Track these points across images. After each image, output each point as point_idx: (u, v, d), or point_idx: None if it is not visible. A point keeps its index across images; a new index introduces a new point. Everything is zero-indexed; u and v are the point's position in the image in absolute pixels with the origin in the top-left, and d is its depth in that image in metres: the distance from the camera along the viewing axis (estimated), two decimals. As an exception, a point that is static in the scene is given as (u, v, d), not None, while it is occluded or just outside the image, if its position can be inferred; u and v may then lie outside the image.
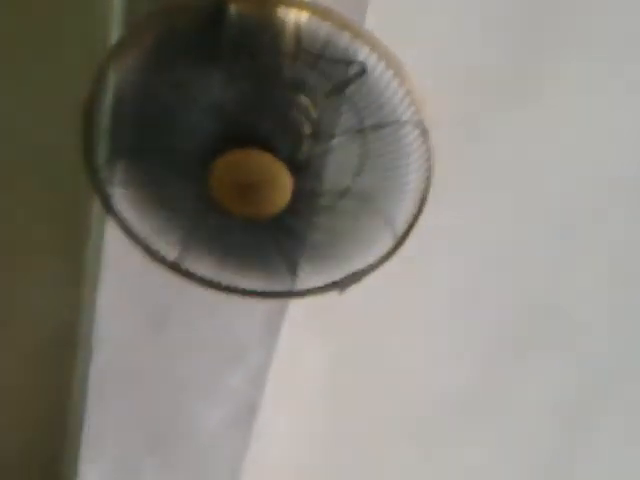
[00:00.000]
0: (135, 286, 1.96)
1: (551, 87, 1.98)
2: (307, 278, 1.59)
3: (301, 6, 1.35)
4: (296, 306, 2.06)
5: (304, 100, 1.41)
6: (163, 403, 2.25)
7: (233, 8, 1.33)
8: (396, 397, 2.60)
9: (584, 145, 2.11)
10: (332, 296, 1.63)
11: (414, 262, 1.93)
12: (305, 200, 1.46)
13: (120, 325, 2.04)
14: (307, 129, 1.42)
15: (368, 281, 1.61)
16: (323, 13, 1.33)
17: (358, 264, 1.58)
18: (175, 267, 1.60)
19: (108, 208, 1.55)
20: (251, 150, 1.38)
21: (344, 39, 1.34)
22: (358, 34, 1.33)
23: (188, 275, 1.61)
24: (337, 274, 1.59)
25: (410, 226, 1.54)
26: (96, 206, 1.65)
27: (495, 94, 1.98)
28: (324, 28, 1.33)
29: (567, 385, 2.61)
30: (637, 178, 2.18)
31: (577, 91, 2.00)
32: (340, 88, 1.38)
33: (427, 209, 1.52)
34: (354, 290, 1.62)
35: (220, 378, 2.22)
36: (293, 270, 1.57)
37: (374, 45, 1.34)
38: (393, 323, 2.39)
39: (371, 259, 1.58)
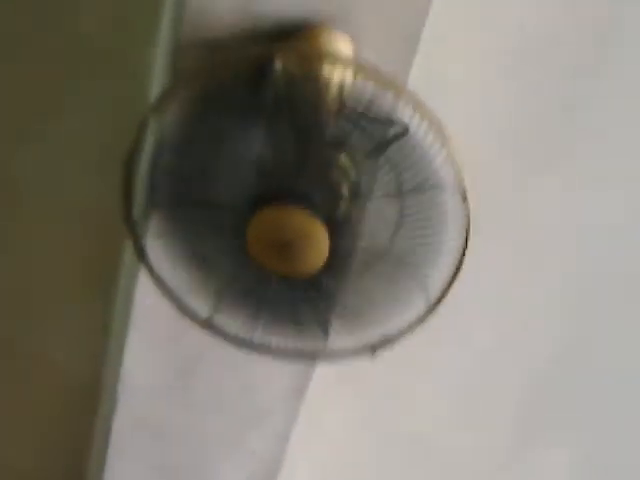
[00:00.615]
0: (164, 338, 1.95)
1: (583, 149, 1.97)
2: (338, 339, 1.57)
3: (346, 64, 1.35)
4: (322, 369, 2.04)
5: (344, 159, 1.40)
6: (184, 459, 2.23)
7: (279, 63, 1.33)
8: (421, 464, 2.57)
9: (619, 206, 2.09)
10: (358, 360, 1.61)
11: (447, 326, 1.91)
12: (340, 260, 1.45)
13: (146, 377, 2.03)
14: (346, 188, 1.41)
15: (398, 344, 1.59)
16: (368, 72, 1.33)
17: (390, 327, 1.56)
18: (206, 323, 1.59)
19: (142, 258, 1.54)
20: (289, 207, 1.37)
21: (387, 99, 1.33)
22: (402, 94, 1.33)
23: (219, 332, 1.60)
24: (369, 337, 1.57)
25: (444, 292, 1.52)
26: (130, 256, 1.64)
27: (528, 158, 1.97)
28: (368, 87, 1.33)
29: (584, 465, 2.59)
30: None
31: (610, 153, 1.99)
32: (381, 148, 1.37)
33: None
34: (383, 353, 1.60)
35: (242, 438, 2.19)
36: (325, 330, 1.55)
37: (417, 106, 1.34)
38: (417, 390, 2.37)
39: (403, 323, 1.56)
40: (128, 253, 1.67)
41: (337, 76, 1.35)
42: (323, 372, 2.05)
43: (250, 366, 2.01)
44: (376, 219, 1.43)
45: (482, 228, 1.44)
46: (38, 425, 2.08)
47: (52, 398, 2.02)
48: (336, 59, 1.38)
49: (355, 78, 1.34)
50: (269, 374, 2.03)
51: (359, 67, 1.35)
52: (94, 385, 1.98)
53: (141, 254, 1.53)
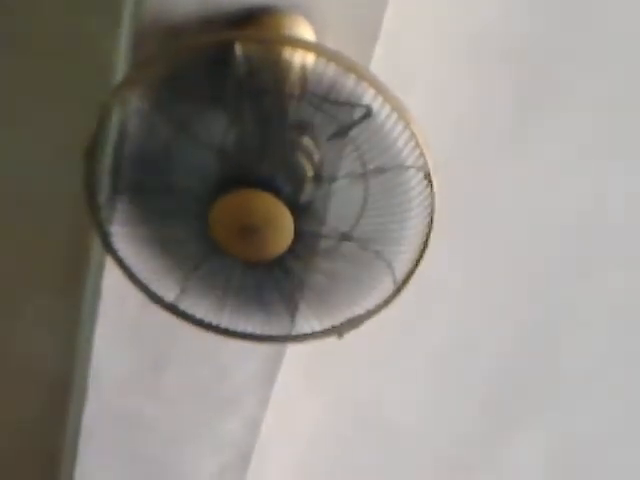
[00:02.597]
0: (132, 328, 1.94)
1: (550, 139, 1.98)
2: (306, 322, 1.58)
3: (308, 48, 1.35)
4: (293, 352, 2.04)
5: (307, 142, 1.41)
6: (157, 448, 2.23)
7: (239, 49, 1.33)
8: (391, 449, 2.58)
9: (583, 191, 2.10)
10: (330, 342, 1.61)
11: (414, 308, 1.92)
12: (306, 242, 1.45)
13: (115, 368, 2.02)
14: (310, 171, 1.41)
15: (366, 326, 1.59)
16: (329, 55, 1.33)
17: (357, 309, 1.57)
18: (173, 308, 1.59)
19: (107, 247, 1.53)
20: (253, 191, 1.37)
21: (350, 82, 1.33)
22: (363, 77, 1.33)
23: (186, 317, 1.60)
24: (336, 319, 1.58)
25: (410, 272, 1.53)
26: (96, 245, 1.64)
27: (490, 143, 1.98)
28: (330, 70, 1.33)
29: (557, 446, 2.60)
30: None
31: (574, 141, 2.01)
32: (344, 130, 1.37)
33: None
34: (352, 336, 1.60)
35: (215, 425, 2.20)
36: (292, 313, 1.55)
37: (379, 88, 1.34)
38: (390, 372, 2.37)
39: (371, 304, 1.56)
40: (96, 242, 1.67)
41: (298, 60, 1.35)
42: (293, 356, 2.05)
43: (220, 352, 2.01)
44: (341, 201, 1.43)
45: (445, 209, 1.45)
46: (7, 422, 2.07)
47: (21, 393, 2.01)
48: (297, 43, 1.37)
49: (317, 61, 1.34)
50: (239, 359, 2.04)
51: (320, 50, 1.35)
52: (64, 378, 1.98)
53: (106, 240, 1.53)
